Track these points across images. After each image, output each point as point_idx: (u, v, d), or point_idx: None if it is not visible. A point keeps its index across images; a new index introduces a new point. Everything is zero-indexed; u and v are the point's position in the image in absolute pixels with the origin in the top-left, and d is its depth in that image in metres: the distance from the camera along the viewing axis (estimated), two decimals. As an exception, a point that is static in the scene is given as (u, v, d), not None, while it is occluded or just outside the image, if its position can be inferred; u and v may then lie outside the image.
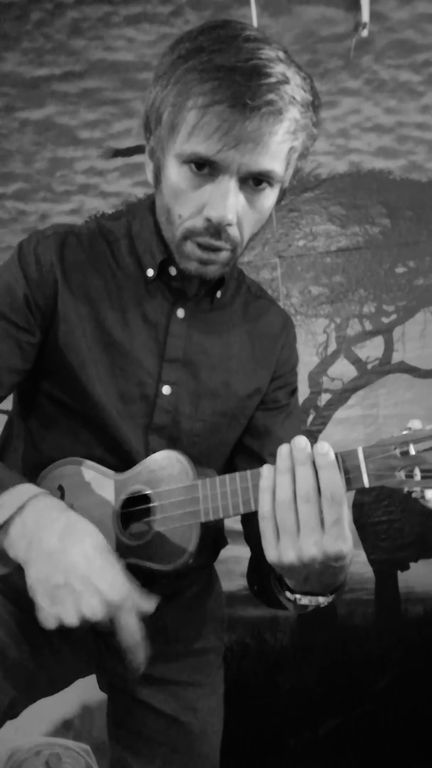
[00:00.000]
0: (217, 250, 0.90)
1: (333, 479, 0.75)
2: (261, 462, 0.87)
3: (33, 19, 1.85)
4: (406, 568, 1.81)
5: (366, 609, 1.82)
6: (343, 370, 1.83)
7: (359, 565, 1.81)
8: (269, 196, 0.90)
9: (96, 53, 1.85)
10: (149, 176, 0.95)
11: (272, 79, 0.80)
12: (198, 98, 0.81)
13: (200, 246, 0.89)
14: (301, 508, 0.76)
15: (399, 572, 1.81)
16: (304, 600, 0.85)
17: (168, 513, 0.90)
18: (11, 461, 1.04)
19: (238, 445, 1.09)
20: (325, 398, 1.83)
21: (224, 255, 0.91)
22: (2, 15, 1.85)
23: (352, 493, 1.81)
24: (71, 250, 0.98)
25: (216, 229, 0.87)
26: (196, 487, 0.89)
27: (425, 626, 1.81)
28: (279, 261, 1.84)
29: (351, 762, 1.81)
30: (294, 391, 1.13)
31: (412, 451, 0.75)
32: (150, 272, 0.98)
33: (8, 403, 1.09)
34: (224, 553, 1.18)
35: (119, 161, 1.85)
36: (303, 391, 1.82)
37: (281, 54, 0.83)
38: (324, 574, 0.78)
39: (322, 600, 0.85)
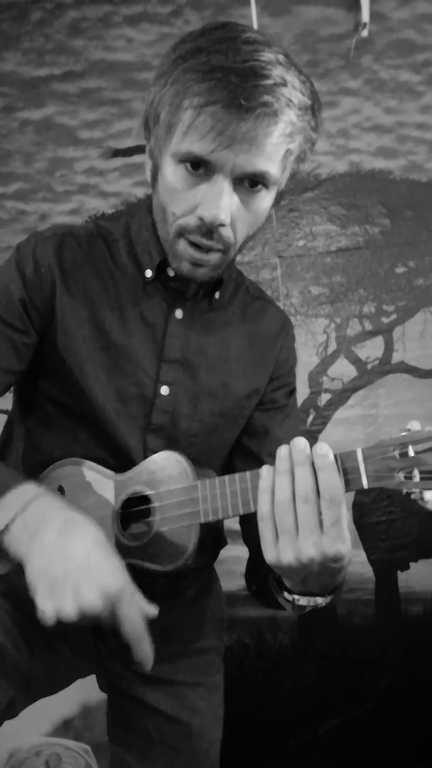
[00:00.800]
0: (208, 250, 0.90)
1: (332, 480, 0.75)
2: (259, 462, 0.88)
3: (33, 19, 1.85)
4: (406, 568, 1.81)
5: (366, 609, 1.82)
6: (343, 370, 1.83)
7: (359, 565, 1.81)
8: (265, 199, 0.90)
9: (96, 53, 1.85)
10: (148, 175, 0.95)
11: (269, 81, 0.80)
12: (194, 98, 0.81)
13: (192, 245, 0.89)
14: (300, 509, 0.76)
15: (399, 572, 1.81)
16: (303, 601, 0.85)
17: (168, 514, 0.90)
18: (11, 461, 1.04)
19: (237, 445, 1.09)
20: (325, 398, 1.83)
21: (215, 257, 0.91)
22: (2, 15, 1.85)
23: (352, 493, 1.81)
24: (70, 251, 0.98)
25: (208, 229, 0.87)
26: (195, 488, 0.89)
27: (425, 626, 1.81)
28: (279, 261, 1.84)
29: (351, 762, 1.81)
30: (292, 392, 1.13)
31: (411, 453, 0.75)
32: (148, 273, 0.98)
33: (8, 403, 1.09)
34: (224, 553, 1.18)
35: (119, 161, 1.85)
36: (303, 391, 1.82)
37: (281, 57, 0.83)
38: (322, 574, 0.78)
39: (321, 601, 0.85)
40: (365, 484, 0.77)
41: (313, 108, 0.87)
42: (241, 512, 0.85)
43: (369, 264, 1.83)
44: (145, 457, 0.96)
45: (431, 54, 1.81)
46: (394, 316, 1.83)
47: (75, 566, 0.77)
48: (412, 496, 0.76)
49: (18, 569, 1.01)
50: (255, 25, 1.78)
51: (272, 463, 0.80)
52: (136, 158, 1.82)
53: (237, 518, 1.08)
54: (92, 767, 1.72)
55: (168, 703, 1.06)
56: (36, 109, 1.87)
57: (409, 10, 1.80)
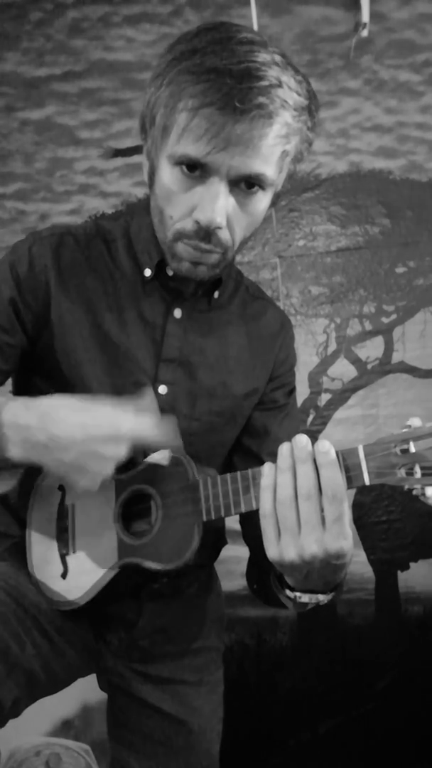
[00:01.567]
0: (207, 251, 0.90)
1: (334, 477, 0.75)
2: (259, 462, 0.88)
3: (33, 19, 1.85)
4: (406, 568, 1.81)
5: (366, 609, 1.82)
6: (343, 370, 1.83)
7: (359, 565, 1.81)
8: (261, 200, 0.89)
9: (96, 53, 1.85)
10: (145, 176, 0.95)
11: (264, 83, 0.80)
12: (189, 100, 0.81)
13: (191, 247, 0.89)
14: (302, 506, 0.76)
15: (399, 572, 1.81)
16: (304, 598, 0.85)
17: (169, 512, 0.90)
18: None
19: (237, 444, 1.09)
20: (325, 398, 1.83)
21: (215, 257, 0.91)
22: (2, 15, 1.85)
23: (353, 492, 1.82)
24: (68, 251, 0.98)
25: (205, 232, 0.87)
26: (197, 486, 0.89)
27: (425, 626, 1.81)
28: (279, 261, 1.84)
29: (351, 762, 1.81)
30: (292, 391, 1.13)
31: (413, 449, 0.76)
32: (147, 272, 0.98)
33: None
34: (224, 553, 1.18)
35: (119, 161, 1.85)
36: (303, 391, 1.82)
37: (277, 57, 0.82)
38: (324, 571, 0.79)
39: (322, 598, 0.85)
40: (367, 480, 0.77)
41: (310, 108, 0.87)
42: (243, 510, 0.86)
43: (369, 264, 1.83)
44: (145, 456, 0.96)
45: (431, 54, 1.80)
46: (394, 316, 1.83)
47: (79, 445, 0.79)
48: (414, 492, 0.76)
49: (17, 567, 1.02)
50: (255, 25, 1.78)
51: (273, 462, 0.80)
52: (136, 158, 1.82)
53: (237, 517, 1.08)
54: (92, 767, 1.72)
55: (168, 702, 1.06)
56: (36, 109, 1.87)
57: (409, 10, 1.80)
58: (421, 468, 0.75)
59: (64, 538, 0.99)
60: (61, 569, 0.98)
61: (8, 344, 0.96)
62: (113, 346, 0.97)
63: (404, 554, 1.81)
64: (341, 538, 0.75)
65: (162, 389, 0.99)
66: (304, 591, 0.85)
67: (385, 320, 1.83)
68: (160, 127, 0.86)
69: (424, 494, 0.76)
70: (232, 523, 1.09)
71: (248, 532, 1.07)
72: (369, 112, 1.82)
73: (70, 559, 0.97)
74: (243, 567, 1.10)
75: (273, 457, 0.81)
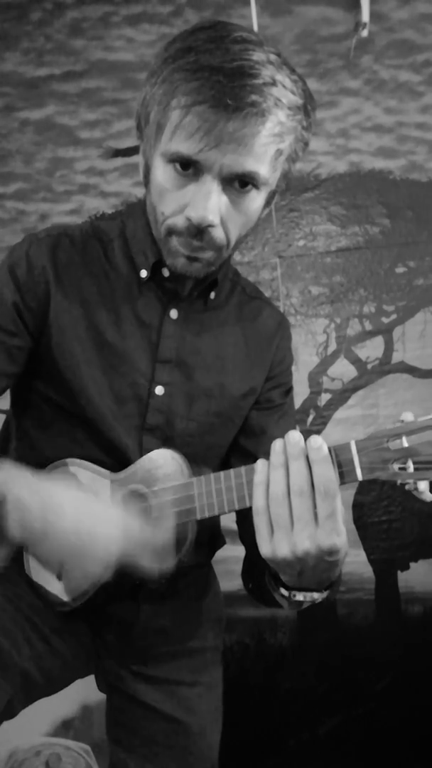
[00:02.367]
0: (199, 248, 0.89)
1: (326, 473, 0.75)
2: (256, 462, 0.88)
3: (33, 19, 1.85)
4: (406, 568, 1.81)
5: (366, 609, 1.82)
6: (343, 370, 1.83)
7: (359, 565, 1.81)
8: (255, 199, 0.89)
9: (96, 53, 1.85)
10: (141, 175, 0.95)
11: (257, 81, 0.79)
12: (182, 98, 0.81)
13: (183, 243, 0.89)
14: (295, 502, 0.76)
15: (399, 572, 1.81)
16: (299, 596, 0.85)
17: (164, 511, 0.90)
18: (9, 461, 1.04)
19: (234, 444, 1.09)
20: (325, 398, 1.83)
21: (210, 253, 0.91)
22: (2, 15, 1.85)
23: (352, 492, 1.82)
24: (64, 252, 0.98)
25: (197, 230, 0.87)
26: (191, 484, 0.89)
27: (425, 626, 1.81)
28: (279, 261, 1.84)
29: (351, 762, 1.81)
30: (289, 391, 1.13)
31: (405, 444, 0.75)
32: (143, 273, 0.98)
33: (7, 403, 1.09)
34: (224, 553, 1.18)
35: (119, 161, 1.85)
36: (303, 391, 1.82)
37: (272, 56, 0.82)
38: (318, 568, 0.78)
39: (317, 596, 0.85)
40: (360, 476, 0.77)
41: (306, 107, 0.86)
42: (237, 507, 0.86)
43: (369, 264, 1.83)
44: (141, 457, 0.96)
45: (431, 54, 1.80)
46: (394, 316, 1.83)
47: (69, 551, 0.78)
48: (407, 487, 0.76)
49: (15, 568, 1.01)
50: (255, 25, 1.77)
51: None
52: (136, 158, 1.79)
53: (235, 518, 1.08)
54: (92, 767, 1.72)
55: (167, 703, 1.06)
56: (36, 109, 1.87)
57: (409, 10, 1.80)
58: (414, 462, 0.75)
59: None
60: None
61: (16, 347, 0.96)
62: (109, 347, 0.97)
63: (404, 554, 1.81)
64: (334, 534, 0.75)
65: (159, 390, 0.99)
66: (299, 589, 0.85)
67: (385, 320, 1.83)
68: (154, 125, 0.86)
69: (416, 489, 0.76)
70: (232, 523, 1.09)
71: (244, 530, 1.07)
72: (369, 112, 1.82)
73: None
74: (243, 567, 1.10)
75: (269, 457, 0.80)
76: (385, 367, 1.82)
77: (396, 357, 1.82)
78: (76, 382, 0.96)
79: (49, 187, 1.87)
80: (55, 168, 1.87)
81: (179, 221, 0.87)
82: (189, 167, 0.85)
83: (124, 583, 0.97)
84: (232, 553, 1.15)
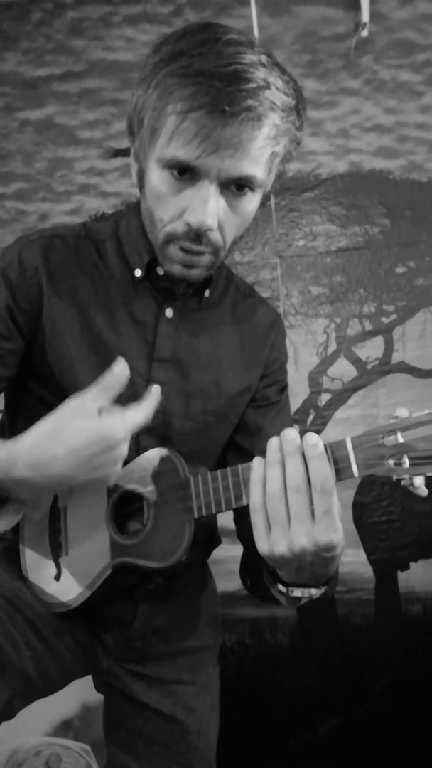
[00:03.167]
0: (198, 253, 0.90)
1: (322, 470, 0.75)
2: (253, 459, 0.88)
3: (33, 19, 1.85)
4: (406, 568, 1.81)
5: (366, 609, 1.82)
6: (343, 370, 1.83)
7: (359, 565, 1.81)
8: (251, 201, 0.90)
9: (96, 53, 1.85)
10: (134, 178, 0.95)
11: (252, 85, 0.80)
12: (177, 103, 0.81)
13: (182, 249, 0.90)
14: (292, 499, 0.76)
15: (399, 572, 1.81)
16: (297, 592, 0.85)
17: (161, 510, 0.90)
18: None
19: (230, 443, 1.09)
20: (325, 398, 1.83)
21: (206, 258, 0.91)
22: (2, 15, 1.85)
23: (352, 492, 1.82)
24: (57, 253, 0.98)
25: (196, 234, 0.87)
26: (188, 483, 0.89)
27: (425, 626, 1.81)
28: (279, 261, 1.84)
29: (351, 762, 1.81)
30: (284, 389, 1.13)
31: (400, 439, 0.76)
32: (138, 272, 0.98)
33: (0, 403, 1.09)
34: (224, 553, 1.18)
35: (119, 161, 1.85)
36: (303, 391, 1.82)
37: (263, 58, 0.82)
38: (315, 564, 0.79)
39: (315, 592, 0.85)
40: (356, 472, 0.77)
41: (298, 107, 0.87)
42: (234, 506, 0.86)
43: (369, 264, 1.83)
44: (138, 456, 0.96)
45: (431, 54, 1.80)
46: (394, 316, 1.83)
47: (67, 480, 0.80)
48: (403, 483, 0.76)
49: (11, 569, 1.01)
50: (255, 25, 1.77)
51: None
52: (136, 158, 1.82)
53: (233, 516, 1.08)
54: (92, 767, 1.72)
55: (164, 702, 1.06)
56: (36, 109, 1.87)
57: (409, 10, 1.80)
58: (410, 458, 0.75)
59: (56, 540, 0.99)
60: (54, 571, 0.98)
61: (8, 351, 0.96)
62: (105, 347, 0.97)
63: (404, 554, 1.81)
64: (331, 530, 0.75)
65: (155, 389, 0.99)
66: (296, 585, 0.85)
67: (385, 320, 1.83)
68: (148, 130, 0.86)
69: (412, 484, 0.76)
70: (230, 522, 1.09)
71: (241, 528, 1.08)
72: (369, 112, 1.82)
73: (63, 561, 0.97)
74: (242, 567, 1.10)
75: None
76: (385, 367, 1.82)
77: (396, 357, 1.82)
78: (72, 382, 0.96)
79: (49, 187, 1.87)
80: (55, 168, 1.87)
81: (178, 227, 0.88)
82: (186, 172, 0.85)
83: (122, 584, 0.98)
84: (231, 553, 1.16)
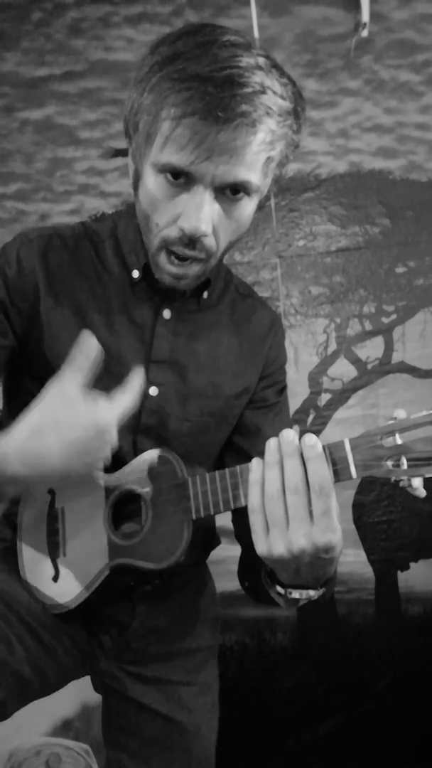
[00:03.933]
0: (189, 261, 0.90)
1: (320, 471, 0.75)
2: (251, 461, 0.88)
3: (33, 19, 1.85)
4: (406, 568, 1.81)
5: (366, 609, 1.82)
6: (343, 370, 1.83)
7: (359, 565, 1.81)
8: (247, 206, 0.89)
9: (96, 53, 1.85)
10: (130, 180, 0.95)
11: (247, 90, 0.79)
12: (171, 109, 0.81)
13: (175, 255, 0.90)
14: (290, 500, 0.76)
15: (399, 572, 1.81)
16: (295, 594, 0.85)
17: (159, 511, 0.90)
18: None
19: (228, 444, 1.09)
20: (325, 398, 1.83)
21: (196, 268, 0.91)
22: (2, 15, 1.85)
23: (352, 492, 1.82)
24: (55, 253, 0.98)
25: (190, 240, 0.87)
26: (186, 484, 0.89)
27: (425, 626, 1.81)
28: (279, 261, 1.84)
29: (351, 762, 1.80)
30: (283, 390, 1.13)
31: (399, 441, 0.76)
32: (135, 274, 0.98)
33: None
34: (223, 553, 1.18)
35: (119, 161, 1.85)
36: (303, 391, 1.82)
37: (261, 60, 0.82)
38: (314, 565, 0.79)
39: (313, 593, 0.85)
40: (354, 473, 0.77)
41: (296, 111, 0.86)
42: (232, 507, 0.86)
43: (369, 264, 1.83)
44: (135, 457, 0.96)
45: (431, 54, 1.80)
46: (394, 316, 1.83)
47: (57, 474, 0.78)
48: (401, 484, 0.76)
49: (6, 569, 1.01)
50: (255, 25, 1.77)
51: None
52: (136, 158, 1.82)
53: (231, 517, 1.08)
54: (92, 767, 1.72)
55: (163, 703, 1.06)
56: (36, 109, 1.87)
57: (409, 10, 1.80)
58: (408, 459, 0.75)
59: (54, 541, 0.99)
60: (52, 572, 0.98)
61: (1, 346, 0.96)
62: (102, 348, 0.97)
63: (404, 554, 1.81)
64: (329, 531, 0.75)
65: (153, 390, 0.99)
66: (295, 587, 0.85)
67: (385, 320, 1.83)
68: (143, 135, 0.86)
69: (411, 485, 0.76)
70: (230, 522, 1.09)
71: (240, 529, 1.07)
72: (369, 112, 1.82)
73: (61, 562, 0.97)
74: (242, 567, 1.10)
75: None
76: (385, 367, 1.82)
77: (396, 357, 1.82)
78: None
79: (49, 187, 1.87)
80: (55, 168, 1.87)
81: (173, 232, 0.88)
82: (180, 177, 0.84)
83: (120, 585, 0.98)
84: (230, 553, 1.15)
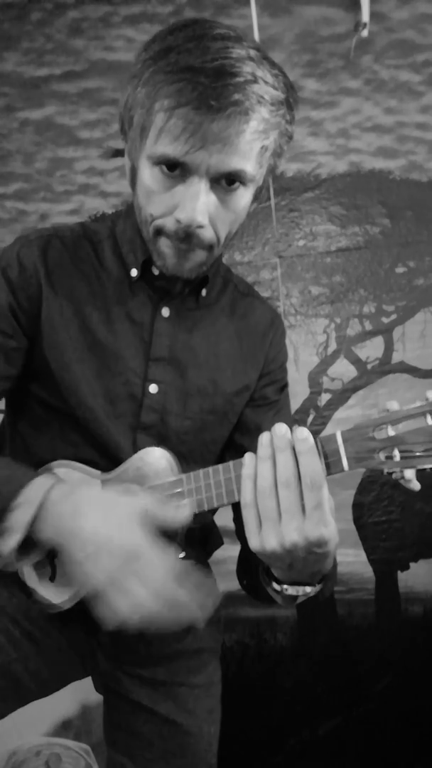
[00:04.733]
0: (188, 251, 0.90)
1: (312, 464, 0.75)
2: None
3: (33, 19, 1.85)
4: (406, 568, 1.81)
5: (366, 609, 1.82)
6: (343, 370, 1.83)
7: (359, 565, 1.81)
8: (243, 196, 0.89)
9: (96, 53, 1.85)
10: (127, 176, 0.95)
11: (239, 79, 0.79)
12: (164, 100, 0.81)
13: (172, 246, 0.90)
14: (282, 494, 0.75)
15: (399, 572, 1.81)
16: (291, 590, 0.84)
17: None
18: None
19: (229, 442, 1.09)
20: (325, 398, 1.83)
21: (200, 255, 0.91)
22: (2, 15, 1.85)
23: (352, 492, 1.82)
24: (55, 253, 0.98)
25: (186, 232, 0.87)
26: (180, 481, 0.89)
27: (425, 626, 1.81)
28: (279, 261, 1.84)
29: (351, 762, 1.81)
30: (283, 388, 1.13)
31: (391, 432, 0.75)
32: (134, 272, 0.98)
33: (2, 403, 1.09)
34: (225, 553, 1.18)
35: (119, 161, 1.85)
36: (303, 391, 1.82)
37: (252, 52, 0.82)
38: (308, 561, 0.78)
39: (310, 590, 0.84)
40: (346, 466, 0.77)
41: (288, 101, 0.86)
42: (226, 502, 0.86)
43: (369, 264, 1.83)
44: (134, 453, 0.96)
45: (431, 54, 1.80)
46: (394, 316, 1.83)
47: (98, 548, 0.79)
48: (393, 476, 0.76)
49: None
50: (255, 25, 1.77)
51: None
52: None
53: (232, 515, 1.08)
54: (92, 767, 1.72)
55: (163, 705, 1.05)
56: (36, 109, 1.87)
57: (409, 10, 1.80)
58: (400, 451, 0.74)
59: None
60: (49, 573, 0.97)
61: (13, 348, 0.97)
62: (101, 347, 0.97)
63: (404, 554, 1.81)
64: (321, 525, 0.74)
65: (153, 388, 0.99)
66: (291, 583, 0.84)
67: (385, 320, 1.83)
68: (138, 128, 0.86)
69: (403, 477, 0.75)
70: (231, 522, 1.09)
71: (240, 528, 1.07)
72: (369, 112, 1.82)
73: (58, 562, 0.97)
74: (243, 567, 1.10)
75: None
76: (385, 367, 1.82)
77: (396, 357, 1.82)
78: (69, 382, 0.96)
79: (49, 187, 1.87)
80: (55, 168, 1.87)
81: (168, 223, 0.88)
82: (176, 168, 0.85)
83: None
84: (232, 553, 1.15)
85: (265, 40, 1.78)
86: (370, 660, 1.81)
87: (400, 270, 1.83)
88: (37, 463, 0.99)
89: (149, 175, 0.87)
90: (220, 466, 0.86)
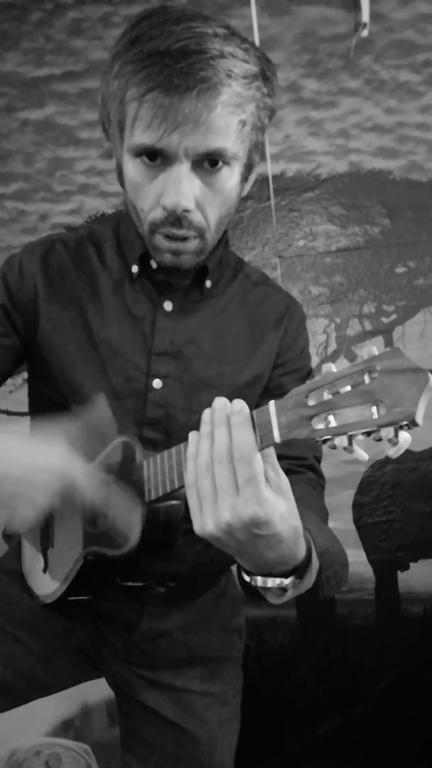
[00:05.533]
0: (183, 239, 0.89)
1: (242, 437, 0.68)
2: None
3: (33, 19, 1.85)
4: (406, 568, 1.81)
5: (366, 609, 1.81)
6: (343, 370, 1.83)
7: (359, 565, 1.81)
8: (229, 177, 0.87)
9: (96, 53, 1.85)
10: (117, 176, 0.94)
11: (204, 56, 0.78)
12: (134, 89, 0.81)
13: (167, 237, 0.89)
14: (216, 470, 0.69)
15: (399, 572, 1.81)
16: (260, 581, 0.75)
17: (119, 497, 0.89)
18: None
19: None
20: (325, 398, 1.83)
21: (193, 244, 0.90)
22: (2, 15, 1.85)
23: (352, 492, 1.81)
24: (56, 257, 1.00)
25: (175, 218, 0.86)
26: (141, 467, 0.86)
27: (425, 626, 1.80)
28: (279, 261, 1.84)
29: (351, 762, 1.80)
30: (306, 377, 1.06)
31: (326, 396, 0.66)
32: (134, 269, 0.98)
33: (8, 403, 1.10)
34: (224, 553, 1.18)
35: (119, 161, 1.85)
36: (303, 391, 1.82)
37: (219, 29, 0.81)
38: (255, 545, 0.70)
39: (287, 582, 0.75)
40: (277, 437, 0.68)
41: (264, 73, 0.84)
42: (177, 485, 0.80)
43: (369, 264, 1.83)
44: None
45: (431, 54, 1.80)
46: (394, 316, 1.83)
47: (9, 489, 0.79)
48: (327, 444, 0.66)
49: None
50: (255, 26, 1.77)
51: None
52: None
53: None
54: (92, 767, 1.72)
55: (171, 710, 1.04)
56: (36, 109, 1.87)
57: (409, 10, 1.80)
58: (335, 417, 0.64)
59: (45, 533, 0.99)
60: (42, 564, 0.98)
61: (4, 347, 0.98)
62: (104, 344, 0.97)
63: (404, 554, 1.81)
64: (254, 502, 0.66)
65: (156, 383, 0.97)
66: (261, 574, 0.75)
67: (385, 320, 1.83)
68: (115, 123, 0.86)
69: (346, 447, 0.64)
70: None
71: None
72: (369, 112, 1.82)
73: (50, 553, 0.97)
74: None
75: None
76: (385, 367, 1.82)
77: (396, 357, 1.82)
78: (74, 381, 0.96)
79: (49, 187, 1.87)
80: (55, 168, 1.87)
81: (158, 213, 0.87)
82: (156, 157, 0.84)
83: (99, 577, 0.96)
84: (231, 553, 1.15)
85: (265, 40, 1.79)
86: (370, 660, 1.81)
87: (400, 270, 1.83)
88: None
89: (132, 168, 0.86)
90: (173, 448, 0.82)
